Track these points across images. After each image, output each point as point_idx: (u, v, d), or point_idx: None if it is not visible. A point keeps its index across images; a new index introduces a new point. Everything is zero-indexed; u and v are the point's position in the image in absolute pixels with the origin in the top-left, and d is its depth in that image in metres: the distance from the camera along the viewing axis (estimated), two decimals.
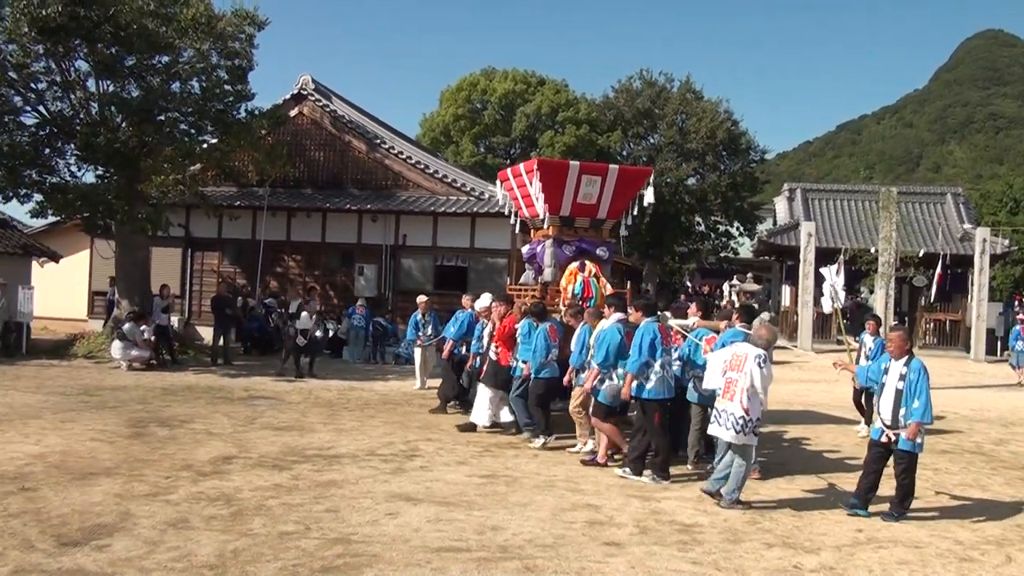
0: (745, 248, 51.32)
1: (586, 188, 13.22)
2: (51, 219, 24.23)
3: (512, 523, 7.99)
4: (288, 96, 26.62)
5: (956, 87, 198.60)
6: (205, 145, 21.78)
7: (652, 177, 13.91)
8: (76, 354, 20.55)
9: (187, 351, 22.16)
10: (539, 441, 11.79)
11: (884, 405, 8.83)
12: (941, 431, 14.83)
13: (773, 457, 11.91)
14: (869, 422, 13.46)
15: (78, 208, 20.15)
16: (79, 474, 9.20)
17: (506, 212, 15.00)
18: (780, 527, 8.30)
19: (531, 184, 13.44)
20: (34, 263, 25.05)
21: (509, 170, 14.75)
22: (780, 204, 42.36)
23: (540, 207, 13.44)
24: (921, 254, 30.92)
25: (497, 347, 12.59)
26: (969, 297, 33.42)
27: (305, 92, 26.64)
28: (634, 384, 9.96)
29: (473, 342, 13.66)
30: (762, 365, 8.86)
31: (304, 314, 19.18)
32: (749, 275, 33.99)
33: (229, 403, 14.79)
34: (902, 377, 8.69)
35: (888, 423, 8.77)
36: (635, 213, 14.09)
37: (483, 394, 12.81)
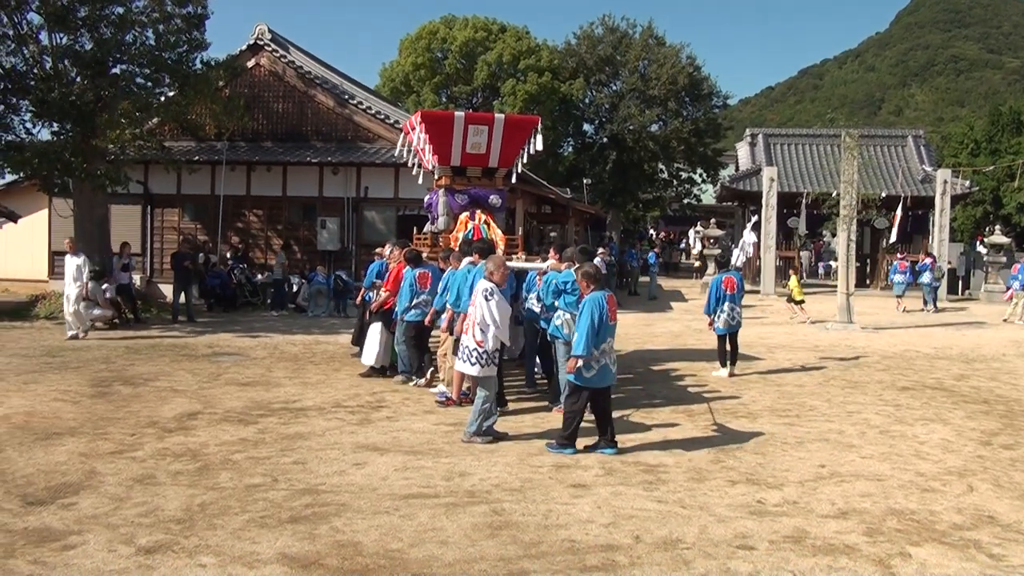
0: (708, 195, 51.50)
1: (473, 138, 13.29)
2: (8, 179, 23.79)
3: (479, 469, 8.05)
4: (244, 47, 26.12)
5: (917, 30, 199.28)
6: (162, 98, 21.36)
7: (539, 125, 13.95)
8: (38, 315, 20.29)
9: (150, 309, 21.94)
10: (411, 382, 12.50)
11: None
12: (902, 368, 15.09)
13: (744, 397, 12.07)
14: (724, 364, 14.13)
15: (35, 167, 19.72)
16: (43, 434, 9.13)
17: (409, 164, 15.07)
18: (744, 464, 8.42)
19: (419, 136, 13.53)
20: None
21: (407, 122, 14.79)
22: (742, 150, 42.49)
23: (429, 158, 13.59)
24: (883, 196, 31.16)
25: (384, 291, 13.21)
26: (931, 238, 33.79)
27: (262, 42, 26.16)
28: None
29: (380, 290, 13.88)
30: (489, 298, 9.21)
31: None
32: (712, 221, 34.05)
33: (193, 360, 14.69)
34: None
35: None
36: (524, 160, 14.17)
37: (372, 333, 13.38)
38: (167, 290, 23.21)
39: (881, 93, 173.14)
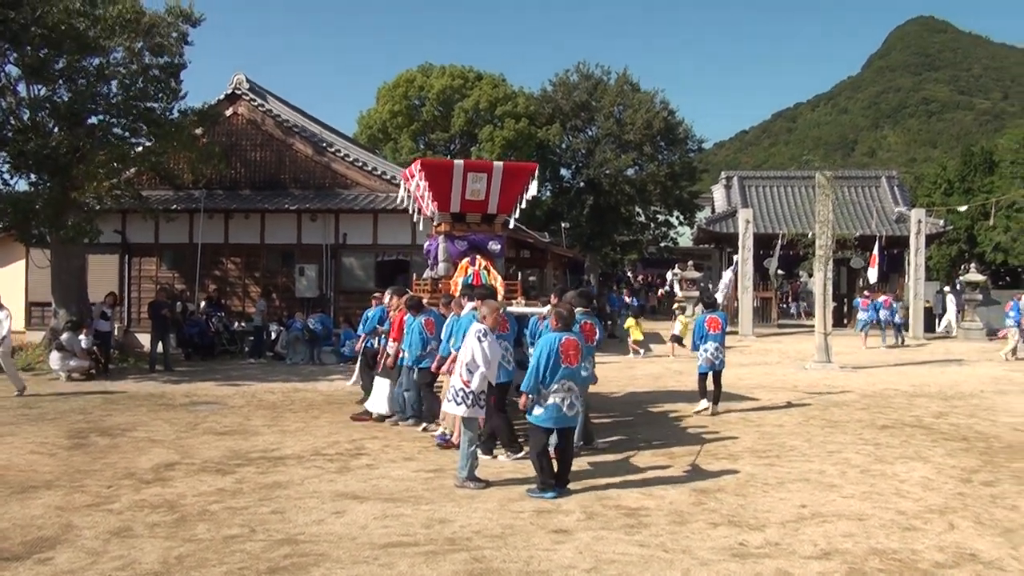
0: (685, 237, 51.79)
1: (473, 185, 13.50)
2: None
3: (460, 515, 7.99)
4: (222, 96, 26.23)
5: (889, 73, 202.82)
6: (139, 148, 21.36)
7: (536, 172, 14.27)
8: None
9: (127, 359, 21.81)
10: (421, 426, 12.61)
11: None
12: (881, 406, 15.13)
13: (725, 438, 12.06)
14: (703, 397, 14.43)
15: (10, 217, 19.66)
16: (19, 488, 9.01)
17: (410, 211, 15.25)
18: (725, 506, 8.41)
19: (418, 184, 13.68)
20: None
21: (407, 170, 14.98)
22: (718, 192, 42.83)
23: (429, 205, 13.75)
24: (858, 236, 31.42)
25: (392, 341, 13.25)
26: (906, 277, 34.05)
27: (239, 92, 26.26)
28: None
29: (381, 337, 14.04)
30: (481, 339, 9.27)
31: None
32: (690, 263, 34.27)
33: (171, 409, 14.57)
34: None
35: None
36: (522, 206, 14.37)
37: (380, 384, 13.47)
38: (144, 339, 23.05)
39: (854, 135, 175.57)
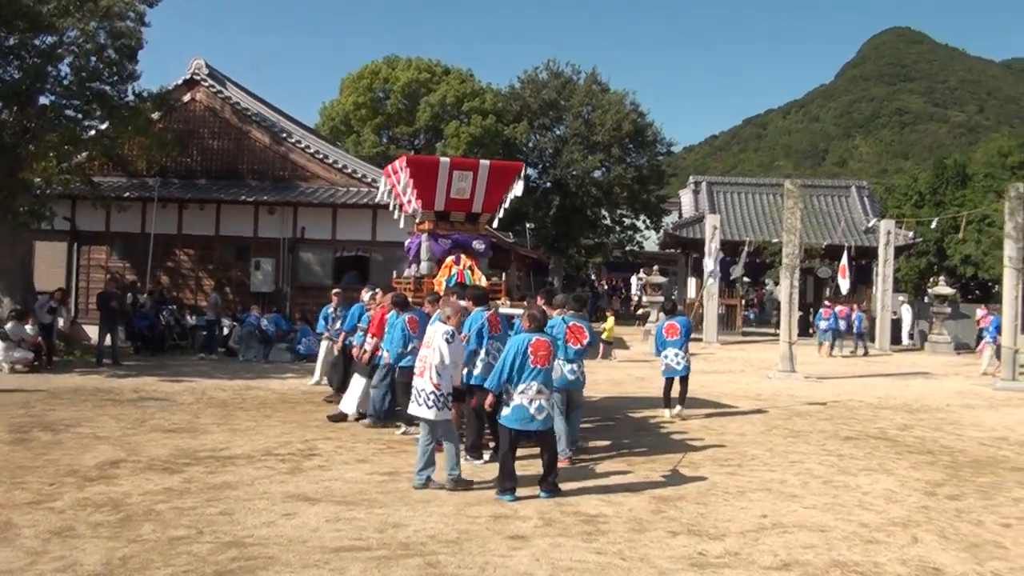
0: (651, 241, 51.87)
1: (458, 183, 13.39)
2: None
3: (414, 520, 7.80)
4: (180, 81, 25.64)
5: (862, 82, 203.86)
6: (93, 132, 20.80)
7: (523, 171, 14.20)
8: None
9: (74, 352, 21.28)
10: (400, 430, 12.34)
11: None
12: (845, 417, 15.08)
13: (686, 446, 11.92)
14: (667, 406, 14.46)
15: None
16: None
17: (390, 207, 15.04)
18: (685, 514, 8.28)
19: (402, 180, 13.51)
20: None
21: (390, 166, 14.79)
22: (685, 197, 42.88)
23: (413, 202, 13.61)
24: (825, 245, 31.53)
25: (371, 337, 13.06)
26: (874, 288, 34.19)
27: (198, 77, 25.70)
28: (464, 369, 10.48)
29: (358, 334, 13.87)
30: (449, 341, 9.23)
31: None
32: (655, 268, 34.15)
33: (117, 405, 14.18)
34: None
35: None
36: (506, 206, 14.30)
37: (356, 383, 13.28)
38: (92, 331, 22.47)
39: (825, 144, 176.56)
